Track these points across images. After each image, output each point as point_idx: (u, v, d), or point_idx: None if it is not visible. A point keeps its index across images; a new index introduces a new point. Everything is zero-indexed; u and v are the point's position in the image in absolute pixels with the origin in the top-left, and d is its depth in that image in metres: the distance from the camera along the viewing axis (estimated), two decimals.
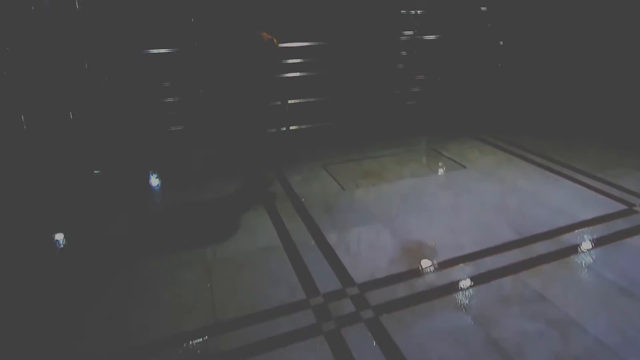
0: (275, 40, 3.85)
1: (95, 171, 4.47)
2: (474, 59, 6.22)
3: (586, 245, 3.13)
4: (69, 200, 3.94)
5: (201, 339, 2.30)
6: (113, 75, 4.52)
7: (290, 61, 5.20)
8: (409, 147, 5.27)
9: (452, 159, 4.86)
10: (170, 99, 4.82)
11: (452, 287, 2.69)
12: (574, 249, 3.08)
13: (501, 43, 6.27)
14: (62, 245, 3.26)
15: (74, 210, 3.77)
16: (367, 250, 3.11)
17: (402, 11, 5.69)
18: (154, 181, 4.42)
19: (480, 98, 6.36)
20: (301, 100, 5.21)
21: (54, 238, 3.34)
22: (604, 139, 5.41)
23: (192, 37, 4.68)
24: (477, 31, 6.14)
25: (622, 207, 3.68)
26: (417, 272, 2.84)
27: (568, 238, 3.22)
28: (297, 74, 5.20)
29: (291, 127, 5.00)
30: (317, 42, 5.26)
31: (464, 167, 4.65)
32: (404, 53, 5.84)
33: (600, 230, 3.32)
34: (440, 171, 4.59)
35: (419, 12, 5.73)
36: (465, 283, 2.72)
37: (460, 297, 2.60)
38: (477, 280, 2.75)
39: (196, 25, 4.66)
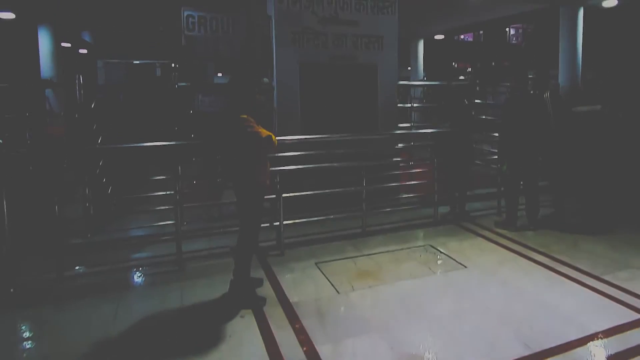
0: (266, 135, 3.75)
1: None
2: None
3: None
4: None
5: None
6: None
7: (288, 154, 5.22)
8: (405, 242, 5.12)
9: (452, 257, 4.67)
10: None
11: None
12: None
13: None
14: None
15: None
16: None
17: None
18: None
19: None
20: (297, 194, 5.12)
21: None
22: (610, 235, 5.27)
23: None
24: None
25: (636, 316, 3.44)
26: None
27: (582, 354, 2.95)
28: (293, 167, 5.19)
29: (285, 222, 4.85)
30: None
31: (465, 267, 4.45)
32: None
33: (616, 344, 3.06)
34: (440, 271, 4.39)
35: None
36: None
37: None
38: None
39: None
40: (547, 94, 5.67)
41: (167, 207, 4.62)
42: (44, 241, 4.25)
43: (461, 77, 8.95)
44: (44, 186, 4.52)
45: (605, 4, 8.24)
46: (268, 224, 4.78)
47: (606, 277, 4.12)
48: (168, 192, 4.56)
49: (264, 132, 3.69)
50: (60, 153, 4.75)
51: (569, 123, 5.58)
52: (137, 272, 4.40)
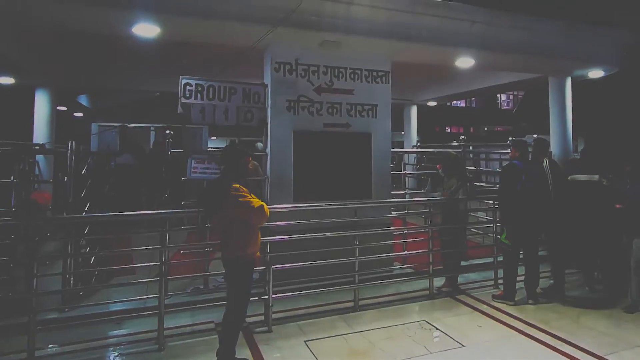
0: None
1: None
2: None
3: None
4: None
5: None
6: None
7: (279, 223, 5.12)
8: (400, 317, 4.88)
9: (449, 335, 4.44)
10: None
11: None
12: None
13: None
14: None
15: None
16: None
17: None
18: None
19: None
20: (287, 265, 4.95)
21: None
22: (612, 309, 5.07)
23: None
24: None
25: None
26: None
27: None
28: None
29: (273, 296, 4.65)
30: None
31: (462, 345, 4.22)
32: None
33: None
34: (437, 351, 4.14)
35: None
36: None
37: None
38: None
39: None
40: (546, 162, 5.67)
41: (151, 280, 4.44)
42: (17, 316, 4.02)
43: (454, 142, 9.05)
44: (24, 256, 4.36)
45: (591, 75, 8.50)
46: (256, 298, 4.57)
47: (611, 358, 3.91)
48: (153, 263, 4.39)
49: (256, 202, 3.63)
50: (44, 221, 4.63)
51: (567, 192, 5.53)
52: (114, 352, 4.13)
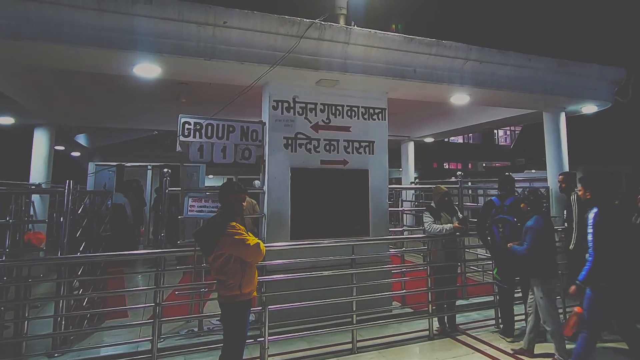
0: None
1: None
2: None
3: None
4: None
5: None
6: None
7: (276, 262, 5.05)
8: (400, 359, 4.75)
9: None
10: None
11: None
12: None
13: None
14: None
15: None
16: None
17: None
18: None
19: None
20: (284, 306, 4.84)
21: None
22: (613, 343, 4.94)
23: None
24: None
25: None
26: None
27: None
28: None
29: (269, 338, 4.52)
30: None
31: None
32: None
33: None
34: None
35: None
36: None
37: None
38: None
39: None
40: (574, 196, 5.67)
41: (144, 322, 4.33)
42: None
43: (452, 178, 9.06)
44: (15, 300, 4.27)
45: (584, 110, 8.60)
46: (252, 340, 4.45)
47: None
48: (147, 305, 4.29)
49: (252, 240, 3.60)
50: (36, 263, 4.54)
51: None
52: None
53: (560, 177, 6.05)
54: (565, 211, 5.80)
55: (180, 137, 5.39)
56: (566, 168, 8.38)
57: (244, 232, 3.61)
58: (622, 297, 4.08)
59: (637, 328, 4.24)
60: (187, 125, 5.52)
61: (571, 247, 5.48)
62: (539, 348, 4.91)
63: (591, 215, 4.20)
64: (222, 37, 5.31)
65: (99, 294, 4.85)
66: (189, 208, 5.16)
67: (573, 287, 4.21)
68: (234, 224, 3.61)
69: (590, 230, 4.14)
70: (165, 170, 5.28)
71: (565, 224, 5.76)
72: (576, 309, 4.18)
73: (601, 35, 23.71)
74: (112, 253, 4.36)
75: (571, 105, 8.30)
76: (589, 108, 8.51)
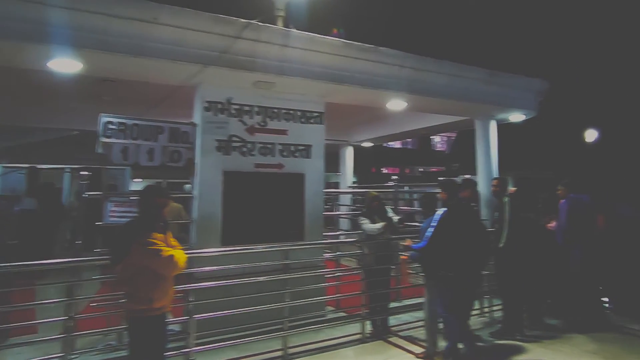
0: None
1: None
2: None
3: None
4: None
5: None
6: None
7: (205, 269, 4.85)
8: None
9: None
10: None
11: None
12: None
13: None
14: None
15: None
16: None
17: None
18: None
19: None
20: (212, 314, 4.65)
21: None
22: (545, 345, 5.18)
23: None
24: None
25: None
26: None
27: None
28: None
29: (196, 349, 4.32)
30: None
31: None
32: None
33: None
34: None
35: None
36: None
37: None
38: None
39: None
40: (506, 199, 5.87)
41: (55, 337, 3.99)
42: None
43: (389, 183, 9.23)
44: None
45: (512, 119, 9.06)
46: (176, 352, 4.23)
47: None
48: (55, 319, 3.95)
49: (166, 250, 3.36)
50: None
51: (522, 229, 5.74)
52: None
53: (495, 181, 6.29)
54: (496, 213, 6.02)
55: (102, 138, 5.05)
56: (495, 173, 8.75)
57: (160, 241, 3.38)
58: (464, 285, 4.59)
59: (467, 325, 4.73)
60: (109, 126, 5.18)
61: (501, 244, 5.71)
62: None
63: (440, 212, 4.70)
64: (152, 34, 5.05)
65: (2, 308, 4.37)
66: (110, 214, 4.84)
67: (408, 241, 5.13)
68: (150, 232, 3.37)
69: (434, 224, 4.64)
70: (82, 173, 4.92)
71: (496, 226, 5.97)
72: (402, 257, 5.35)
73: (528, 49, 25.33)
74: (15, 263, 3.96)
75: (500, 114, 8.70)
76: (516, 117, 8.95)
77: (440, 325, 4.94)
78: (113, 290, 4.29)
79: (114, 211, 4.88)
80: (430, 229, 4.64)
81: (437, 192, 5.24)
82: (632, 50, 23.67)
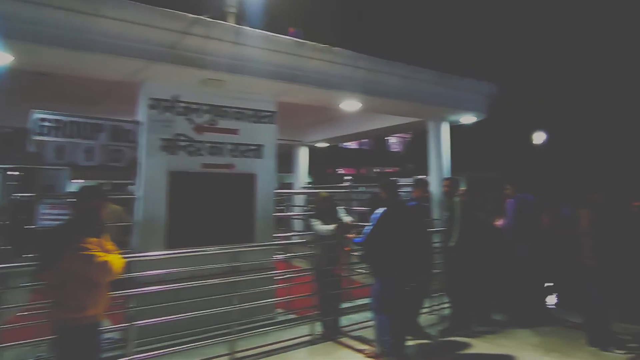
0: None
1: None
2: None
3: None
4: None
5: None
6: None
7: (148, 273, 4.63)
8: None
9: None
10: None
11: None
12: None
13: None
14: None
15: None
16: None
17: None
18: None
19: None
20: (154, 320, 4.45)
21: None
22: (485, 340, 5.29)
23: None
24: None
25: None
26: None
27: None
28: None
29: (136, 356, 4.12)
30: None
31: None
32: None
33: None
34: None
35: None
36: None
37: None
38: None
39: None
40: (457, 199, 5.95)
41: None
42: None
43: (343, 183, 9.25)
44: None
45: (463, 121, 9.28)
46: None
47: None
48: None
49: (100, 256, 3.17)
50: None
51: (472, 228, 5.85)
52: None
53: (446, 182, 6.41)
54: (447, 213, 6.12)
55: (34, 135, 4.73)
56: (447, 174, 8.94)
57: (94, 246, 3.18)
58: (402, 285, 4.71)
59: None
60: (44, 123, 4.87)
61: (452, 244, 5.81)
62: None
63: (380, 210, 4.79)
64: (92, 26, 4.79)
65: None
66: (42, 216, 4.54)
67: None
68: (83, 236, 3.17)
69: (372, 222, 4.74)
70: (10, 173, 4.60)
71: (447, 225, 6.07)
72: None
73: (480, 53, 26.20)
74: None
75: (451, 116, 8.88)
76: (467, 118, 9.16)
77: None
78: (44, 299, 4.02)
79: (47, 214, 4.59)
80: (369, 226, 4.70)
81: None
82: (579, 56, 24.98)
